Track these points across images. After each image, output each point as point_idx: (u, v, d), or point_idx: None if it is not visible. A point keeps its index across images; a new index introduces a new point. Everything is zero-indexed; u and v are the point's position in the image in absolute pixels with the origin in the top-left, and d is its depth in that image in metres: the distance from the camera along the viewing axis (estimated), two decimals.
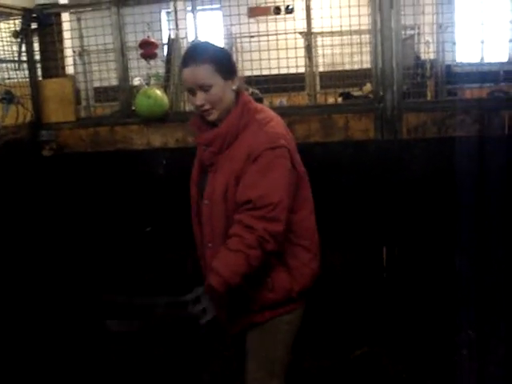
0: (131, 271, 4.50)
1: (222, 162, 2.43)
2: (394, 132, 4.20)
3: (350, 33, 6.77)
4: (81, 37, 7.32)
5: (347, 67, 7.35)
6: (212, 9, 14.36)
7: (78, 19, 7.24)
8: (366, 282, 4.33)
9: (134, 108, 4.63)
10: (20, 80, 4.83)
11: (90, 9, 5.70)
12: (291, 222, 2.42)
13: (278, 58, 4.62)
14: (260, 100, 5.18)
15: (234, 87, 2.46)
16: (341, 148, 4.26)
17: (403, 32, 4.61)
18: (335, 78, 7.40)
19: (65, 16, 5.13)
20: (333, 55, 7.76)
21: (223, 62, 2.43)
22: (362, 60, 6.42)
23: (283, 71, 4.73)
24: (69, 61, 5.11)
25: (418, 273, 4.24)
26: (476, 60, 7.58)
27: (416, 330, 4.17)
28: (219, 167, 2.43)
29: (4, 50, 4.82)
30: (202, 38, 7.52)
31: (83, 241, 4.67)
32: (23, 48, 4.74)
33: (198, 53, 2.43)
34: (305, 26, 7.50)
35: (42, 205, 4.56)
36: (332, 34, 7.38)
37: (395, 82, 4.26)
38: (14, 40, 4.83)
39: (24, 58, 4.80)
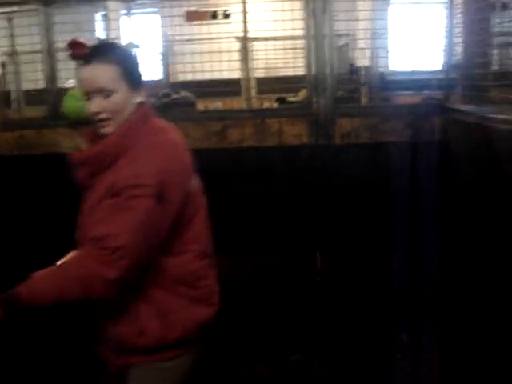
0: None
1: (97, 187, 2.04)
2: (327, 137, 4.21)
3: (284, 38, 6.80)
4: (11, 36, 7.09)
5: (283, 73, 7.35)
6: (149, 12, 14.26)
7: (9, 19, 7.03)
8: (300, 288, 4.31)
9: (63, 110, 4.49)
10: None
11: (18, 8, 5.54)
12: (167, 266, 2.07)
13: (216, 62, 4.57)
14: (192, 104, 5.11)
15: (139, 99, 2.09)
16: (274, 153, 4.23)
17: (339, 38, 4.63)
18: (271, 84, 7.40)
19: None
20: (267, 61, 7.75)
21: (133, 69, 2.08)
22: (296, 66, 6.44)
23: (220, 76, 4.69)
24: None
25: (351, 278, 4.25)
26: (409, 68, 7.73)
27: (350, 336, 4.17)
28: (92, 193, 2.06)
29: None
30: (137, 41, 7.41)
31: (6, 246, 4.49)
32: None
33: (104, 50, 2.05)
34: (242, 30, 7.48)
35: None
36: (267, 39, 7.37)
37: (329, 87, 4.28)
38: None
39: None
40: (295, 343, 4.24)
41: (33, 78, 5.33)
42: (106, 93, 1.99)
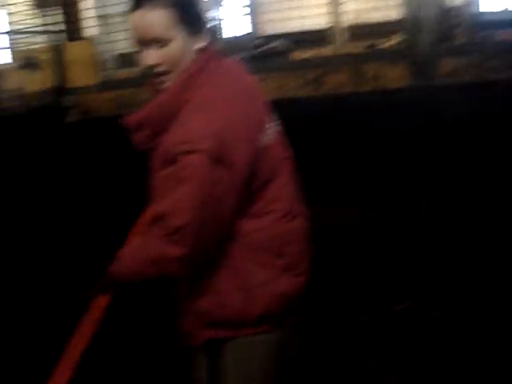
0: None
1: (157, 149, 1.80)
2: (428, 78, 4.05)
3: None
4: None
5: (374, 19, 7.15)
6: None
7: None
8: (405, 236, 4.22)
9: None
10: (43, 45, 4.76)
11: None
12: (247, 232, 1.85)
13: (305, 8, 4.47)
14: (283, 53, 5.03)
15: (200, 45, 1.78)
16: (373, 97, 4.12)
17: None
18: (363, 30, 7.20)
19: None
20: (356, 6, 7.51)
21: (190, 10, 1.78)
22: (388, 10, 6.23)
23: (309, 25, 4.59)
24: (90, 24, 5.00)
25: (458, 223, 4.12)
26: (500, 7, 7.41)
27: (458, 281, 4.06)
28: (155, 156, 1.83)
29: (27, 16, 4.76)
30: None
31: (111, 207, 4.62)
32: (44, 13, 4.67)
33: None
34: None
35: (67, 172, 4.51)
36: None
37: (426, 27, 4.10)
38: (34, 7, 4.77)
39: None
40: (402, 292, 4.18)
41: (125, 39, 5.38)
42: (161, 41, 1.71)
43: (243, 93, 1.83)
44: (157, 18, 1.70)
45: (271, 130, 1.88)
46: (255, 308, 1.88)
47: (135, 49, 1.79)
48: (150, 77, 1.77)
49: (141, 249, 1.83)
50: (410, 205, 4.25)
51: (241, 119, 1.74)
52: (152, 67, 1.72)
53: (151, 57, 1.70)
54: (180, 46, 1.73)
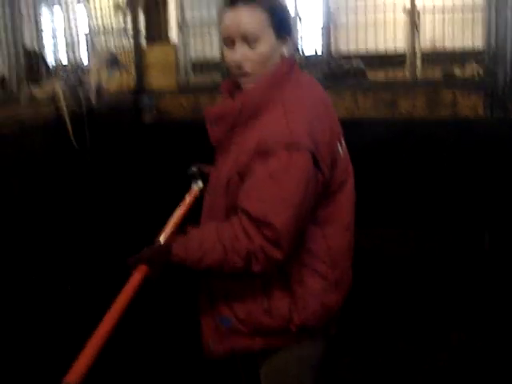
0: None
1: (231, 145, 1.82)
2: (504, 110, 4.00)
3: (457, 9, 6.49)
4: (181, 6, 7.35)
5: (451, 45, 7.06)
6: None
7: None
8: (467, 267, 4.16)
9: None
10: (125, 47, 4.90)
11: None
12: (308, 238, 1.83)
13: (380, 33, 4.47)
14: (362, 71, 5.04)
15: (285, 51, 1.83)
16: (447, 124, 4.09)
17: None
18: (438, 56, 7.14)
19: None
20: (434, 32, 7.45)
21: (281, 15, 1.82)
22: (466, 38, 6.15)
23: (384, 47, 4.59)
24: (173, 30, 5.12)
25: None
26: None
27: None
28: (227, 152, 1.84)
29: (111, 18, 4.90)
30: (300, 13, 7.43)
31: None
32: (128, 15, 4.80)
33: None
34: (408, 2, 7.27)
35: (141, 168, 4.62)
36: (434, 10, 7.09)
37: (508, 58, 4.05)
38: (117, 8, 4.91)
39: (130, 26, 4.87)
40: (457, 320, 4.11)
41: (204, 46, 5.48)
42: (250, 40, 1.75)
43: (322, 102, 1.86)
44: (250, 18, 1.74)
45: (342, 144, 1.90)
46: (301, 317, 1.83)
47: (218, 53, 1.87)
48: (234, 74, 1.80)
49: (224, 235, 1.73)
50: (472, 235, 4.20)
51: (327, 124, 1.80)
52: (238, 64, 1.76)
53: (239, 53, 1.75)
54: (268, 48, 1.77)
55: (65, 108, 3.76)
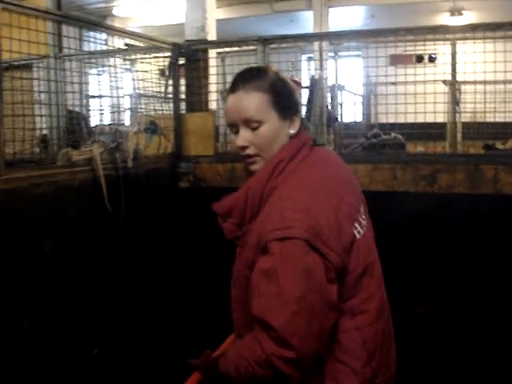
0: None
1: (247, 237, 1.75)
2: None
3: (496, 82, 6.48)
4: (224, 74, 7.49)
5: (493, 118, 7.01)
6: (352, 55, 14.47)
7: (223, 59, 7.45)
8: (496, 347, 3.97)
9: None
10: (165, 112, 4.97)
11: (235, 48, 5.83)
12: (341, 330, 1.71)
13: (421, 104, 4.43)
14: (402, 145, 5.00)
15: (292, 131, 1.80)
16: (488, 201, 3.97)
17: None
18: (479, 129, 7.10)
19: (212, 54, 5.26)
20: (475, 105, 7.41)
21: (282, 94, 1.79)
22: (508, 111, 6.11)
23: (426, 119, 4.54)
24: (212, 97, 5.17)
25: None
26: None
27: None
28: (244, 244, 1.77)
29: (153, 84, 4.99)
30: (342, 82, 7.48)
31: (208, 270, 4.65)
32: (170, 82, 4.87)
33: (250, 76, 1.79)
34: (449, 73, 7.29)
35: (175, 234, 4.60)
36: (476, 83, 7.08)
37: None
38: (160, 74, 5.00)
39: (170, 92, 4.93)
40: None
41: None
42: (253, 124, 1.74)
43: (334, 182, 1.78)
44: (250, 101, 1.73)
45: (364, 222, 1.82)
46: None
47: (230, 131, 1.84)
48: (242, 158, 1.79)
49: (244, 350, 1.68)
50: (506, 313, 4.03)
51: (330, 206, 1.68)
52: (243, 149, 1.75)
53: (243, 138, 1.74)
54: (272, 129, 1.74)
55: (101, 171, 3.78)
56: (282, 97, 1.78)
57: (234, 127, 1.77)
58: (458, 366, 3.88)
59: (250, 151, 1.75)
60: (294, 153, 1.77)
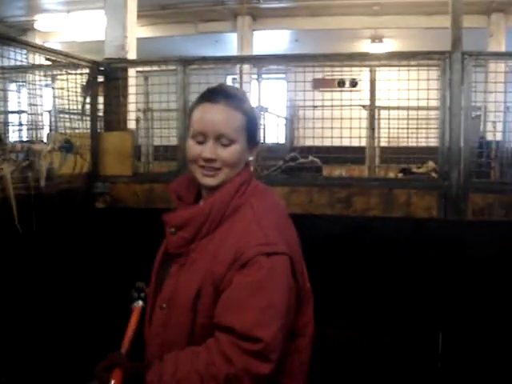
0: None
1: (196, 253, 1.74)
2: (458, 212, 4.01)
3: (414, 108, 6.67)
4: (146, 93, 7.43)
5: (410, 143, 7.22)
6: (277, 78, 14.66)
7: (146, 78, 7.39)
8: (419, 370, 4.05)
9: None
10: (82, 131, 4.86)
11: (156, 68, 5.79)
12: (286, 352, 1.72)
13: (339, 128, 4.51)
14: (319, 169, 5.07)
15: (250, 158, 1.86)
16: (401, 224, 4.07)
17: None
18: (396, 153, 7.28)
19: (132, 73, 5.20)
20: (392, 130, 7.62)
21: (254, 121, 1.83)
22: (423, 137, 6.30)
23: (344, 143, 4.63)
24: (131, 116, 5.10)
25: (476, 363, 3.95)
26: None
27: None
28: (190, 262, 1.74)
29: (69, 101, 4.88)
30: (266, 104, 7.55)
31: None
32: (87, 100, 4.78)
33: (233, 94, 1.81)
34: (369, 100, 7.47)
35: (90, 255, 4.49)
36: (397, 108, 7.28)
37: (462, 160, 4.11)
38: (79, 92, 4.89)
39: (88, 110, 4.83)
40: None
41: (164, 134, 5.47)
42: (225, 141, 1.74)
43: (283, 210, 1.87)
44: (231, 119, 1.75)
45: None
46: None
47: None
48: (194, 170, 1.78)
49: (199, 365, 1.57)
50: (427, 336, 4.11)
51: (292, 231, 1.81)
52: (210, 161, 1.74)
53: (211, 151, 1.73)
54: (240, 151, 1.77)
55: (11, 190, 3.65)
56: (253, 124, 1.82)
57: (200, 136, 1.75)
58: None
59: (214, 165, 1.74)
60: (251, 177, 1.83)
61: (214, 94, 1.78)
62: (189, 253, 1.75)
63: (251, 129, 1.81)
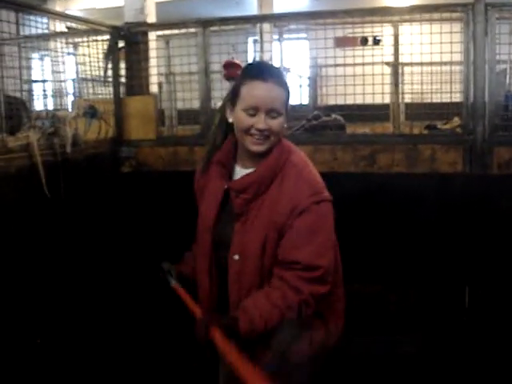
0: None
1: (255, 210, 2.13)
2: (484, 166, 3.98)
3: (438, 64, 6.58)
4: (168, 57, 7.41)
5: (434, 99, 7.12)
6: (299, 38, 14.48)
7: (167, 42, 7.37)
8: (446, 325, 4.07)
9: None
10: (105, 96, 4.89)
11: (177, 31, 5.76)
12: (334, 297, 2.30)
13: (363, 85, 4.46)
14: (342, 127, 5.04)
15: (285, 127, 2.22)
16: (426, 180, 4.05)
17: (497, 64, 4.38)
18: (421, 110, 7.19)
19: (152, 36, 5.19)
20: (418, 86, 7.51)
21: (289, 96, 2.20)
22: (450, 92, 6.20)
23: (368, 101, 4.58)
24: (153, 80, 5.11)
25: (503, 317, 3.95)
26: None
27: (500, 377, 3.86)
28: (253, 217, 2.13)
29: (91, 68, 4.90)
30: (288, 64, 7.49)
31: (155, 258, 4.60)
32: (109, 66, 4.79)
33: (279, 73, 2.17)
34: (392, 54, 7.37)
35: (118, 220, 4.55)
36: (420, 64, 7.18)
37: (487, 114, 4.05)
38: (101, 58, 4.91)
39: (110, 76, 4.85)
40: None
41: (186, 97, 5.47)
42: (274, 114, 2.09)
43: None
44: (280, 94, 2.11)
45: None
46: (333, 341, 2.28)
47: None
48: (244, 138, 2.12)
49: (277, 300, 2.00)
50: (454, 292, 4.12)
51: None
52: (262, 131, 2.08)
53: (265, 123, 2.08)
54: (283, 121, 2.14)
55: (38, 157, 3.70)
56: (289, 96, 2.18)
57: (253, 110, 2.07)
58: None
59: (266, 133, 2.09)
60: (287, 142, 2.24)
61: (263, 73, 2.09)
62: (250, 211, 2.14)
63: (288, 103, 2.17)
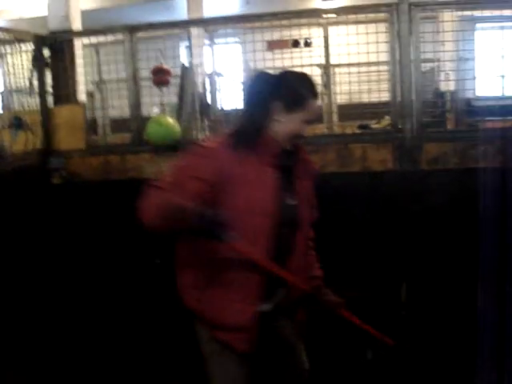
0: (138, 302, 4.35)
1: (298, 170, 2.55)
2: (413, 162, 4.06)
3: (366, 64, 6.69)
4: (98, 65, 7.29)
5: (364, 99, 7.23)
6: (231, 42, 14.48)
7: (97, 50, 7.25)
8: (383, 321, 4.12)
9: (146, 137, 4.52)
10: (31, 107, 4.76)
11: (107, 39, 5.66)
12: None
13: None
14: None
15: None
16: (358, 178, 4.11)
17: (423, 65, 4.47)
18: (353, 110, 7.29)
19: (78, 44, 5.09)
20: (349, 87, 7.61)
21: None
22: (380, 91, 6.31)
23: None
24: (82, 89, 5.01)
25: (438, 310, 4.03)
26: (496, 93, 7.46)
27: (434, 375, 3.94)
28: (302, 194, 2.55)
29: (16, 78, 4.77)
30: (220, 69, 7.47)
31: (88, 270, 4.52)
32: (35, 75, 4.68)
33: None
34: (323, 56, 7.43)
35: (49, 232, 4.44)
36: (349, 65, 7.26)
37: (414, 111, 4.13)
38: (26, 68, 4.78)
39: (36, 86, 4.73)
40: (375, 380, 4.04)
41: (117, 105, 5.39)
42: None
43: None
44: None
45: None
46: None
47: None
48: (290, 141, 2.41)
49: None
50: (390, 288, 4.18)
51: None
52: (304, 137, 2.44)
53: (307, 131, 2.43)
54: None
55: None
56: None
57: (308, 123, 2.41)
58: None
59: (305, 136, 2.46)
60: None
61: (316, 91, 2.43)
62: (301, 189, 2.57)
63: None
